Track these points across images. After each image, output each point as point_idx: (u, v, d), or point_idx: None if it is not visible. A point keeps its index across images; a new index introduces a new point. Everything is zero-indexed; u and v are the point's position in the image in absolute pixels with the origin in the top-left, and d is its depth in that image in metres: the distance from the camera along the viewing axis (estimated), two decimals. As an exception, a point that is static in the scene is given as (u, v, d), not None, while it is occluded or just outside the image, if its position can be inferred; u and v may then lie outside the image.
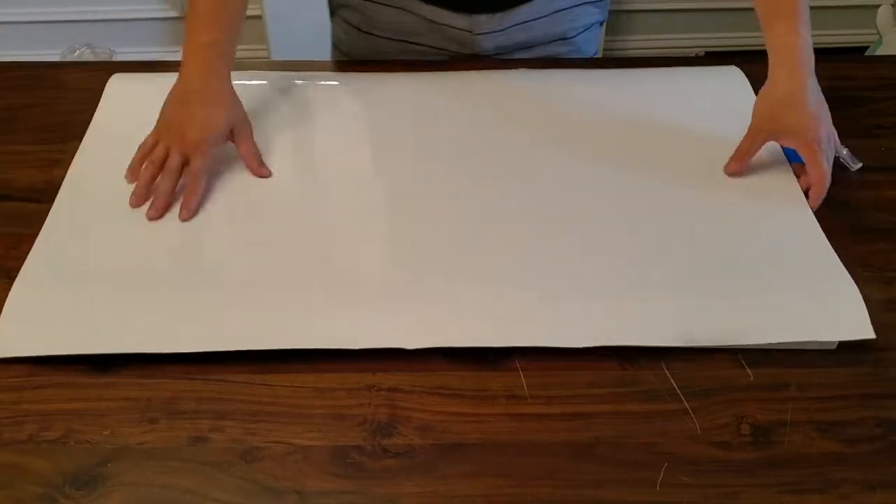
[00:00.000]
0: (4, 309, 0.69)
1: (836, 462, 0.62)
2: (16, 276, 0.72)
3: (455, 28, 0.98)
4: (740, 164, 0.82)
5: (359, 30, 1.01)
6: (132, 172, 0.80)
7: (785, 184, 0.82)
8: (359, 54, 1.04)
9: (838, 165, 0.86)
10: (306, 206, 0.81)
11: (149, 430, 0.63)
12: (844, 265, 0.74)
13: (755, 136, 0.82)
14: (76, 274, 0.73)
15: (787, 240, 0.77)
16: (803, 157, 0.80)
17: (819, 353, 0.69)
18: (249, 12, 1.01)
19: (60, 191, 0.80)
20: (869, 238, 0.79)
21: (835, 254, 0.75)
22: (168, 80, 0.83)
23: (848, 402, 0.66)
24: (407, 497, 0.60)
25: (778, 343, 0.68)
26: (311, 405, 0.65)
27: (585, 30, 1.05)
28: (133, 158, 0.81)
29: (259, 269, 0.73)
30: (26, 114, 0.91)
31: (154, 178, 0.79)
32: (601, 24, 1.10)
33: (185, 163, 0.79)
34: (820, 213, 0.80)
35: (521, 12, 0.97)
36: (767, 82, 0.82)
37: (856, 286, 0.71)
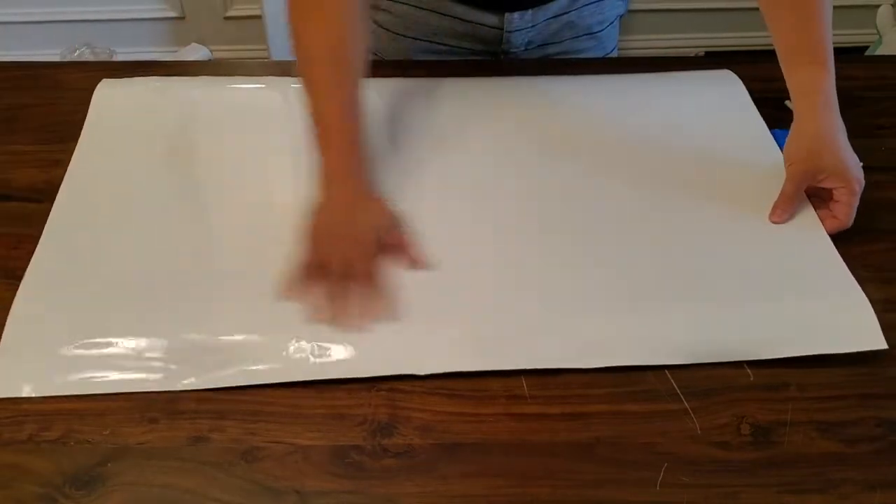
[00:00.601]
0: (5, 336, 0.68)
1: (836, 462, 0.62)
2: (18, 275, 0.72)
3: (487, 26, 0.98)
4: (787, 211, 0.79)
5: (387, 30, 1.02)
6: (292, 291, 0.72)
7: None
8: (386, 55, 1.04)
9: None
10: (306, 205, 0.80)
11: (149, 430, 0.63)
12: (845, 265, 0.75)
13: (798, 181, 0.79)
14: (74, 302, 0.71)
15: (796, 251, 0.76)
16: (840, 197, 0.77)
17: (819, 354, 0.69)
18: (249, 12, 1.01)
19: (55, 204, 0.79)
20: (869, 238, 0.79)
21: (844, 264, 0.74)
22: (154, 84, 0.82)
23: (848, 402, 0.66)
24: (407, 497, 0.60)
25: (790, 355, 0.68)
26: (311, 405, 0.65)
27: (610, 24, 1.05)
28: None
29: (263, 279, 0.73)
30: (26, 114, 0.91)
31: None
32: (621, 17, 1.10)
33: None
34: (820, 213, 0.80)
35: (551, 7, 0.98)
36: (795, 122, 0.80)
37: (865, 297, 0.71)
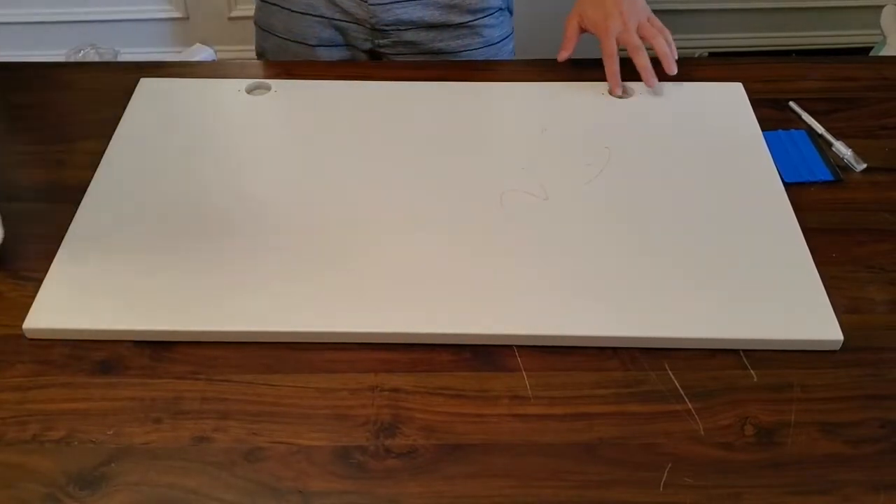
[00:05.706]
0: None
1: (839, 463, 0.62)
2: (24, 276, 0.73)
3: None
4: (565, 48, 0.96)
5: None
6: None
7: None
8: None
9: (843, 166, 0.86)
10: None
11: (153, 430, 0.64)
12: (848, 266, 0.75)
13: (572, 23, 0.96)
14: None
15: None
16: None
17: (822, 355, 0.69)
18: (249, 13, 1.03)
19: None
20: (873, 239, 0.79)
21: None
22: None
23: (851, 404, 0.66)
24: (410, 498, 0.60)
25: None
26: (315, 405, 0.65)
27: (489, 14, 1.05)
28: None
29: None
30: (31, 114, 0.91)
31: None
32: (507, 10, 1.11)
33: None
34: (823, 215, 0.81)
35: None
36: None
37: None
